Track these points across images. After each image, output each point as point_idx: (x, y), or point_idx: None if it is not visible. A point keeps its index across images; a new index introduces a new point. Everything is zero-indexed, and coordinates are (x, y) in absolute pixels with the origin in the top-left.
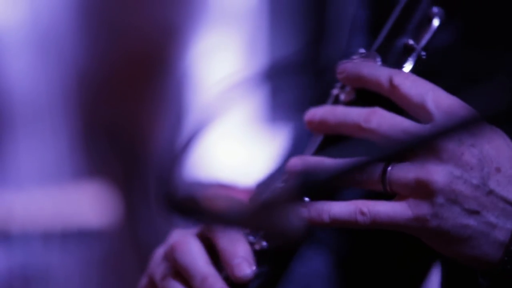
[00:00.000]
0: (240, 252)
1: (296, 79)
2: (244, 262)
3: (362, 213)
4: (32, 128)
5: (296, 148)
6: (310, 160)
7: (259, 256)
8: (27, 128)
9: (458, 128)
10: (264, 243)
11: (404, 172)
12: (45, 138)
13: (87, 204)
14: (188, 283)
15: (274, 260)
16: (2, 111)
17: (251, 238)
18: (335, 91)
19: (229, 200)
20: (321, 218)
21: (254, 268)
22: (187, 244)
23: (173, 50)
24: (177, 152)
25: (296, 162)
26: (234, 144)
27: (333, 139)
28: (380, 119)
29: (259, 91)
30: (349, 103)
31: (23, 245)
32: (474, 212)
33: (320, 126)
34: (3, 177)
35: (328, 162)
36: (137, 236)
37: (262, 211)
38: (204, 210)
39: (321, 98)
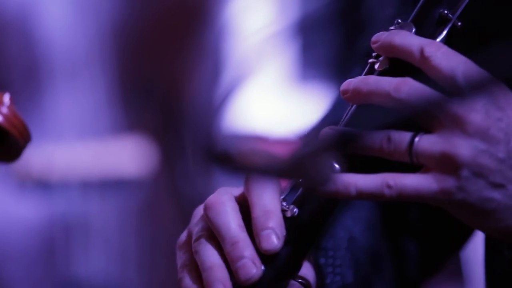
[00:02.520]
0: (271, 223)
1: (329, 34)
2: (272, 235)
3: (389, 186)
4: (71, 81)
5: (334, 114)
6: (341, 131)
7: (291, 223)
8: (66, 81)
9: (484, 100)
10: (296, 210)
11: (430, 144)
12: (84, 91)
13: (125, 155)
14: (219, 246)
15: (305, 228)
16: (41, 64)
17: (283, 204)
18: (370, 60)
19: (265, 153)
20: (347, 191)
21: (280, 241)
22: (222, 204)
23: (211, 3)
24: (215, 105)
25: (329, 132)
26: (268, 99)
27: (365, 109)
28: (410, 90)
29: (291, 46)
30: (383, 73)
31: (63, 195)
32: (499, 186)
33: (353, 95)
34: (43, 129)
35: (358, 133)
36: (174, 186)
37: (298, 164)
38: (240, 162)
39: (354, 56)
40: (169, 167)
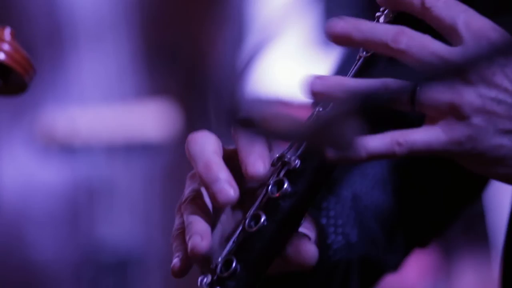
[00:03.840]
0: (257, 151)
1: None
2: (259, 161)
3: (399, 144)
4: (96, 45)
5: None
6: (329, 80)
7: (293, 175)
8: (91, 45)
9: (489, 51)
10: (298, 162)
11: (435, 94)
12: (109, 55)
13: (149, 119)
14: (204, 205)
15: (307, 180)
16: (66, 28)
17: (286, 157)
18: (377, 14)
19: (288, 117)
20: (358, 155)
21: (267, 169)
22: (202, 136)
23: None
24: (238, 69)
25: (315, 81)
26: (291, 63)
27: (368, 58)
28: (409, 40)
29: (314, 10)
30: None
31: (87, 159)
32: (508, 132)
33: (345, 40)
34: (68, 93)
35: (350, 82)
36: None
37: (318, 128)
38: (263, 126)
39: (375, 20)
40: (192, 131)
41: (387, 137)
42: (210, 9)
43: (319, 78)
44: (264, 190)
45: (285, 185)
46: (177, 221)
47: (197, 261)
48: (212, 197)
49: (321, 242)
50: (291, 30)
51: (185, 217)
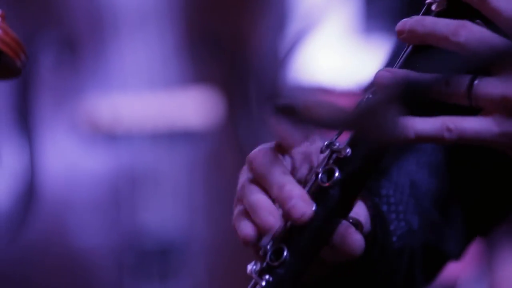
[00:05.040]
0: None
1: None
2: (290, 133)
3: (449, 129)
4: (138, 33)
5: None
6: (397, 73)
7: (343, 163)
8: (133, 33)
9: None
10: (349, 150)
11: (490, 88)
12: (151, 43)
13: (192, 107)
14: (265, 189)
15: (358, 168)
16: (108, 15)
17: (336, 145)
18: (428, 1)
19: (330, 105)
20: (406, 135)
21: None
22: (265, 154)
23: None
24: (280, 57)
25: (384, 74)
26: (333, 50)
27: (421, 49)
28: (468, 34)
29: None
30: (440, 14)
31: (130, 146)
32: None
33: (409, 36)
34: (111, 80)
35: (414, 76)
36: (238, 138)
37: (361, 116)
38: (305, 114)
39: (418, 7)
40: (234, 118)
41: (438, 121)
42: None
43: (388, 71)
44: (314, 178)
45: (336, 174)
46: (238, 208)
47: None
48: (287, 213)
49: (383, 228)
50: (332, 18)
51: (247, 199)
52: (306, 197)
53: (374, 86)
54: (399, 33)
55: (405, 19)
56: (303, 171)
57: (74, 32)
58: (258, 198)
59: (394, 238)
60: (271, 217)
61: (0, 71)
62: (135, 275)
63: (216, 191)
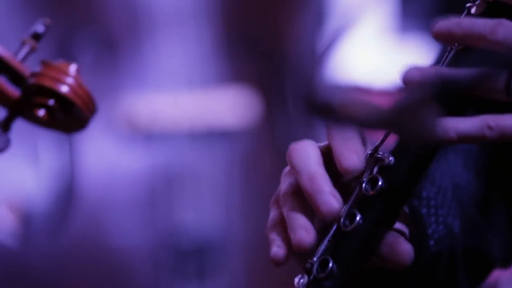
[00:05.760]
0: (351, 145)
1: None
2: (353, 155)
3: (490, 127)
4: (176, 32)
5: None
6: (428, 70)
7: (387, 172)
8: (171, 32)
9: None
10: (392, 159)
11: None
12: (189, 42)
13: (229, 106)
14: (304, 200)
15: (402, 176)
16: (147, 15)
17: (379, 153)
18: (468, 4)
19: (367, 104)
20: (448, 135)
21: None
22: (303, 146)
23: None
24: (317, 56)
25: (414, 72)
26: (369, 49)
27: (463, 52)
28: (506, 32)
29: None
30: (479, 16)
31: (168, 145)
32: None
33: (446, 37)
34: (148, 79)
35: (447, 72)
36: (275, 137)
37: (398, 115)
38: (341, 112)
39: (454, 6)
40: (271, 117)
41: (478, 120)
42: None
43: (416, 68)
44: (358, 187)
45: (380, 183)
46: (273, 213)
47: (301, 254)
48: (316, 208)
49: (421, 232)
50: (369, 17)
51: (285, 210)
52: (336, 192)
53: (404, 84)
54: (436, 35)
55: (441, 20)
56: (348, 177)
57: (112, 31)
58: (297, 212)
59: (432, 242)
60: (306, 234)
61: (70, 123)
62: (172, 274)
63: (253, 190)
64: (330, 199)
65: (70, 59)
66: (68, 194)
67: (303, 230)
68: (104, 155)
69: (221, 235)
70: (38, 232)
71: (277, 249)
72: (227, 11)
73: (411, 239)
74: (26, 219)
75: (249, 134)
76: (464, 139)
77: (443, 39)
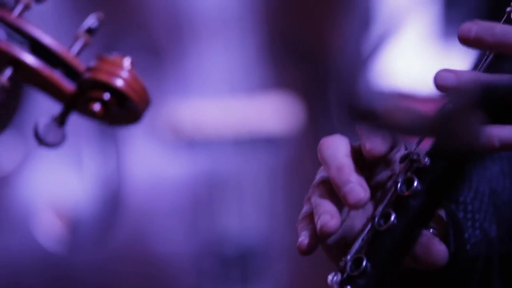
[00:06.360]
0: (378, 137)
1: None
2: (378, 140)
3: None
4: (220, 38)
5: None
6: (462, 74)
7: (422, 173)
8: (214, 38)
9: None
10: (428, 160)
11: None
12: (232, 48)
13: (272, 112)
14: (332, 193)
15: (438, 178)
16: (190, 21)
17: (416, 153)
18: (508, 9)
19: (409, 111)
20: (491, 143)
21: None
22: (334, 139)
23: None
24: (359, 62)
25: (448, 75)
26: (413, 55)
27: (502, 58)
28: None
29: (435, 2)
30: None
31: (210, 152)
32: None
33: (475, 43)
34: (192, 86)
35: (485, 77)
36: (318, 142)
37: (441, 121)
38: (383, 119)
39: (499, 12)
40: (314, 124)
41: None
42: (334, 1)
43: (452, 72)
44: (393, 187)
45: (415, 183)
46: (305, 208)
47: (325, 240)
48: (343, 198)
49: (458, 236)
50: (412, 22)
51: (313, 199)
52: (364, 183)
53: (437, 87)
54: (463, 39)
55: (470, 24)
56: (382, 176)
57: (155, 37)
58: (323, 199)
59: (468, 246)
60: (330, 218)
61: (123, 116)
62: (216, 281)
63: (296, 197)
64: (357, 188)
65: None
66: (114, 200)
67: (327, 214)
68: (148, 162)
69: (265, 241)
70: (84, 239)
71: (302, 238)
72: (271, 16)
73: (447, 243)
74: (73, 226)
75: (292, 140)
76: (507, 147)
77: (471, 44)
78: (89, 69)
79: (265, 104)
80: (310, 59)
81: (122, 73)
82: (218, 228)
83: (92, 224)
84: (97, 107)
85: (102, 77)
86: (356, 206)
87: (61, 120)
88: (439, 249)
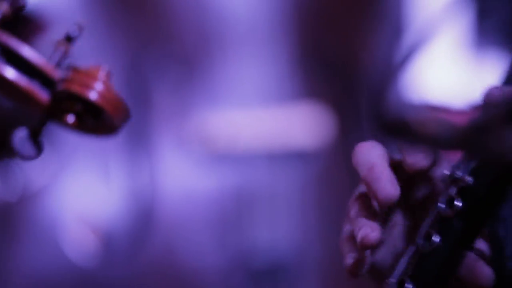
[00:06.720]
0: (420, 154)
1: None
2: (420, 157)
3: None
4: (250, 48)
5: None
6: (508, 90)
7: (465, 193)
8: (245, 48)
9: None
10: (470, 179)
11: None
12: (263, 59)
13: (303, 125)
14: (372, 210)
15: (482, 198)
16: (222, 31)
17: (457, 173)
18: None
19: (441, 123)
20: None
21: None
22: (368, 144)
23: None
24: (390, 73)
25: (495, 91)
26: (445, 67)
27: None
28: None
29: (468, 13)
30: None
31: (240, 165)
32: None
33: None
34: (222, 98)
35: None
36: (350, 156)
37: (475, 134)
38: (416, 132)
39: None
40: (346, 136)
41: None
42: (365, 12)
43: (497, 88)
44: (436, 207)
45: (459, 204)
46: (346, 227)
47: (367, 250)
48: (374, 195)
49: (499, 253)
50: (446, 33)
51: (352, 213)
52: (395, 180)
53: (485, 104)
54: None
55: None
56: (422, 193)
57: (185, 48)
58: (362, 212)
59: (510, 264)
60: (370, 230)
61: (99, 127)
62: None
63: (328, 210)
64: (387, 185)
65: (142, 77)
66: (146, 214)
67: (368, 227)
68: (178, 175)
69: (296, 255)
70: (115, 253)
71: (348, 259)
72: (303, 26)
73: (489, 260)
74: (104, 240)
75: (324, 153)
76: None
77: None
78: (62, 80)
79: (296, 116)
80: (342, 70)
81: (97, 84)
82: (249, 242)
83: (124, 238)
84: (71, 118)
85: (75, 88)
86: (387, 203)
87: (36, 132)
88: (484, 272)
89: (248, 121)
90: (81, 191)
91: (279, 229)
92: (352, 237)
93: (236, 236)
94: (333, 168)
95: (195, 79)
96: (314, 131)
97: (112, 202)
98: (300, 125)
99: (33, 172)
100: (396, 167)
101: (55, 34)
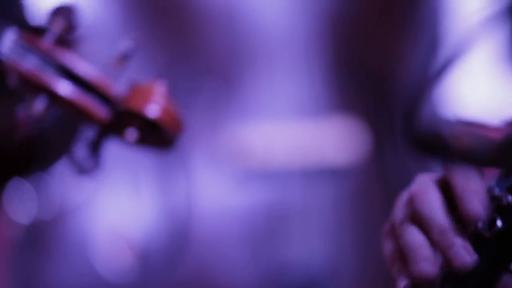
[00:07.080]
0: (477, 194)
1: None
2: (476, 200)
3: None
4: (284, 61)
5: None
6: None
7: (505, 212)
8: (278, 60)
9: None
10: (510, 198)
11: None
12: (297, 72)
13: (338, 140)
14: (424, 232)
15: None
16: (254, 44)
17: (496, 191)
18: None
19: (477, 139)
20: None
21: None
22: (427, 193)
23: None
24: (425, 87)
25: None
26: (481, 82)
27: None
28: None
29: (504, 28)
30: None
31: (274, 180)
32: None
33: None
34: (254, 110)
35: None
36: (385, 171)
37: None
38: (451, 148)
39: None
40: (381, 152)
41: None
42: (401, 24)
43: None
44: (474, 227)
45: (498, 223)
46: (388, 244)
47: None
48: (449, 261)
49: None
50: (482, 48)
51: (406, 237)
52: (468, 246)
53: None
54: None
55: None
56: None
57: (218, 61)
58: (416, 241)
59: None
60: (428, 264)
61: (157, 140)
62: None
63: (362, 227)
64: (463, 253)
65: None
66: (180, 231)
67: (427, 262)
68: (210, 191)
69: (329, 272)
70: (150, 271)
71: (404, 283)
72: (337, 39)
73: None
74: (140, 258)
75: (358, 168)
76: None
77: None
78: (122, 97)
79: (331, 130)
80: (377, 84)
81: (156, 101)
82: (282, 259)
83: (158, 255)
84: (131, 134)
85: (135, 107)
86: (463, 270)
87: (95, 147)
88: None
89: (282, 136)
90: (115, 208)
91: (312, 246)
92: (401, 257)
93: (270, 253)
94: (368, 184)
95: (229, 93)
96: (348, 146)
97: (145, 219)
98: (335, 139)
99: (69, 190)
100: (442, 186)
101: (98, 47)
